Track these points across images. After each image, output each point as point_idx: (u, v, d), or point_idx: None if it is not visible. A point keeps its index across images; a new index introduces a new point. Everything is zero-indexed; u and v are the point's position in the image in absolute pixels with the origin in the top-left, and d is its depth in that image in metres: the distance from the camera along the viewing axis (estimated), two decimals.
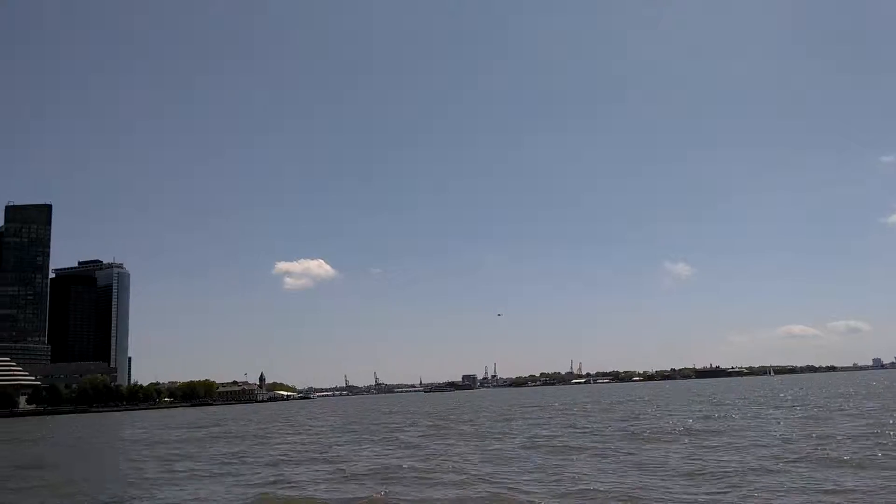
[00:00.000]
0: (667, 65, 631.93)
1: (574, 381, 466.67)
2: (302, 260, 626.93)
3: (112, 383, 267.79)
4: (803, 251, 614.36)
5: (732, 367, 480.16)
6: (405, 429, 65.43)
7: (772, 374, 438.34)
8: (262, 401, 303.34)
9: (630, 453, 34.96)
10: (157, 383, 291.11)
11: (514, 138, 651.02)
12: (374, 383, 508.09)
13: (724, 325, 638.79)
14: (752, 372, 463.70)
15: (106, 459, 49.20)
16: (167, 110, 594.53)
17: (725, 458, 31.19)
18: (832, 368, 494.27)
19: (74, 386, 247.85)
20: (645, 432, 46.52)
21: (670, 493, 23.64)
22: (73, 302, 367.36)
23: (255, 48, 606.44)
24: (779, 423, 49.83)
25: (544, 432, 51.47)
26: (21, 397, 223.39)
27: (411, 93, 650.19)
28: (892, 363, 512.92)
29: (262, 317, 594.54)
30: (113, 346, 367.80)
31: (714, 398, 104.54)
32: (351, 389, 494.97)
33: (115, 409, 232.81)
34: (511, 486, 26.63)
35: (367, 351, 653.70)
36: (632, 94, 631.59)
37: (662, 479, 26.31)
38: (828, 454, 30.99)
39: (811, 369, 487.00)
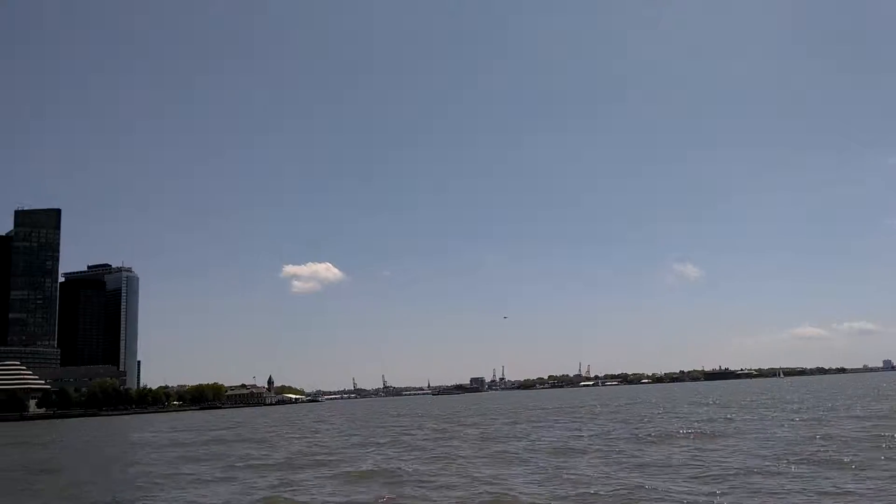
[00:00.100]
0: (667, 65, 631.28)
1: (582, 383, 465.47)
2: (310, 263, 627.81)
3: (121, 387, 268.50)
4: (803, 251, 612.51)
5: (741, 369, 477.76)
6: (412, 431, 65.66)
7: (781, 375, 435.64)
8: (271, 404, 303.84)
9: (634, 455, 35.06)
10: (166, 386, 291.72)
11: (514, 138, 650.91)
12: (381, 386, 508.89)
13: (727, 327, 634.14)
14: (761, 374, 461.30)
15: (114, 463, 49.57)
16: (167, 110, 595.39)
17: (728, 460, 31.27)
18: (842, 370, 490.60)
19: (84, 389, 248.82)
20: (650, 434, 46.58)
21: (671, 493, 23.76)
22: (83, 306, 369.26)
23: (255, 48, 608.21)
24: (782, 426, 49.75)
25: (550, 435, 51.62)
26: (31, 401, 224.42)
27: (411, 93, 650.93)
28: None
29: (271, 320, 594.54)
30: (122, 350, 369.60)
31: (721, 400, 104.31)
32: (359, 392, 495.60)
33: (125, 412, 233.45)
34: (515, 488, 26.79)
35: (374, 353, 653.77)
36: (632, 94, 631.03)
37: (664, 481, 26.42)
38: (830, 456, 31.02)
39: (821, 371, 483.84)
